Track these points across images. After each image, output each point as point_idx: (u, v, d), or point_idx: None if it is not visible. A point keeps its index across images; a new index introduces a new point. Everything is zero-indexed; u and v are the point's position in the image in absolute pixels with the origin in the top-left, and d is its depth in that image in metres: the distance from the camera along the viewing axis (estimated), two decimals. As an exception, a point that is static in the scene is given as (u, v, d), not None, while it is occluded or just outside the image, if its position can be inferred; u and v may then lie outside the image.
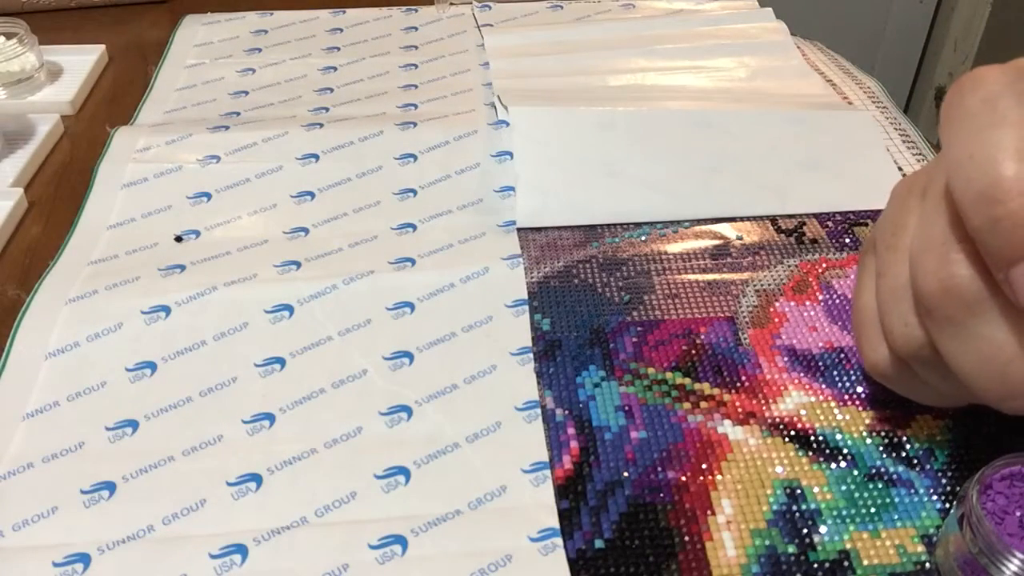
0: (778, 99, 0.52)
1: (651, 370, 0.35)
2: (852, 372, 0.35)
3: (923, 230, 0.27)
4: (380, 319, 0.38)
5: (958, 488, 0.31)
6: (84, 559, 0.29)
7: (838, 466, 0.32)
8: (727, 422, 0.33)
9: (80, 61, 0.58)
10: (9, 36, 0.55)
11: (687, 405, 0.34)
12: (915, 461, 0.32)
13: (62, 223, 0.44)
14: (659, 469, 0.32)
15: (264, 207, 0.45)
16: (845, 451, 0.32)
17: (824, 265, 0.41)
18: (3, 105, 0.54)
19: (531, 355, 0.36)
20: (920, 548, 0.29)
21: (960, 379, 0.26)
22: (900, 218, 0.29)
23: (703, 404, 0.34)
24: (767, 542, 0.29)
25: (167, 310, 0.38)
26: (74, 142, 0.51)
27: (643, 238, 0.42)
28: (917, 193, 0.28)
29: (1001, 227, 0.23)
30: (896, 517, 0.30)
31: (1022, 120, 0.24)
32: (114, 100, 0.56)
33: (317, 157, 0.47)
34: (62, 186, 0.48)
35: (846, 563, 0.29)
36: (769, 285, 0.40)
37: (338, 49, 0.60)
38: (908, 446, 0.32)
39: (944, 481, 0.31)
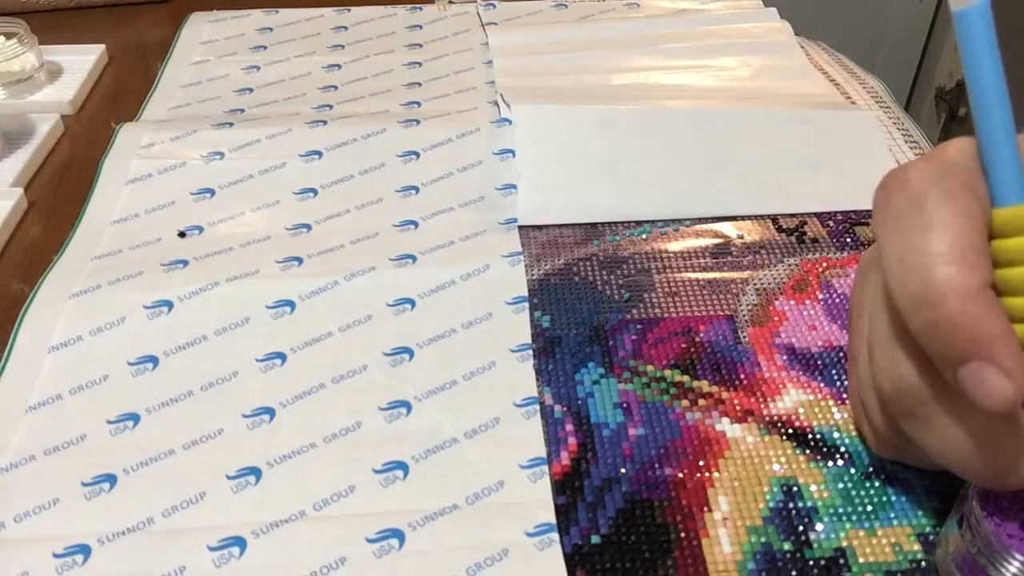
0: (781, 98, 0.52)
1: (650, 367, 0.36)
2: (851, 371, 0.35)
3: (875, 320, 0.27)
4: (381, 315, 0.38)
5: (955, 487, 0.30)
6: (84, 550, 0.29)
7: (835, 464, 0.32)
8: (725, 420, 0.33)
9: (80, 61, 0.58)
10: (9, 36, 0.55)
11: (685, 402, 0.34)
12: (912, 460, 0.32)
13: (62, 223, 0.44)
14: (656, 466, 0.32)
15: (267, 203, 0.45)
16: (843, 449, 0.32)
17: (824, 264, 0.41)
18: (3, 105, 0.54)
19: (531, 352, 0.36)
20: (916, 547, 0.29)
21: (949, 467, 0.26)
22: (861, 295, 0.29)
23: (701, 401, 0.34)
24: (763, 539, 0.29)
25: (169, 305, 0.38)
26: (74, 142, 0.52)
27: (644, 236, 0.43)
28: (875, 268, 0.28)
29: (939, 331, 0.23)
30: (893, 515, 0.30)
31: (950, 221, 0.23)
32: (114, 100, 0.56)
33: (320, 154, 0.48)
34: (62, 186, 0.48)
35: (842, 561, 0.29)
36: (769, 284, 0.40)
37: (342, 47, 0.60)
38: (906, 445, 0.32)
39: (941, 480, 0.31)
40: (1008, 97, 0.24)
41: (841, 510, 0.30)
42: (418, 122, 0.49)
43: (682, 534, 0.29)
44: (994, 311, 0.22)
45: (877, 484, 0.31)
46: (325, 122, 0.50)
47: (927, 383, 0.25)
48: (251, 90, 0.55)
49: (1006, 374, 0.22)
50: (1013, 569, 0.25)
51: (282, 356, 0.36)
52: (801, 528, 0.30)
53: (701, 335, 0.37)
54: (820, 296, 0.39)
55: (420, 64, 0.58)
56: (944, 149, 0.25)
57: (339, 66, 0.57)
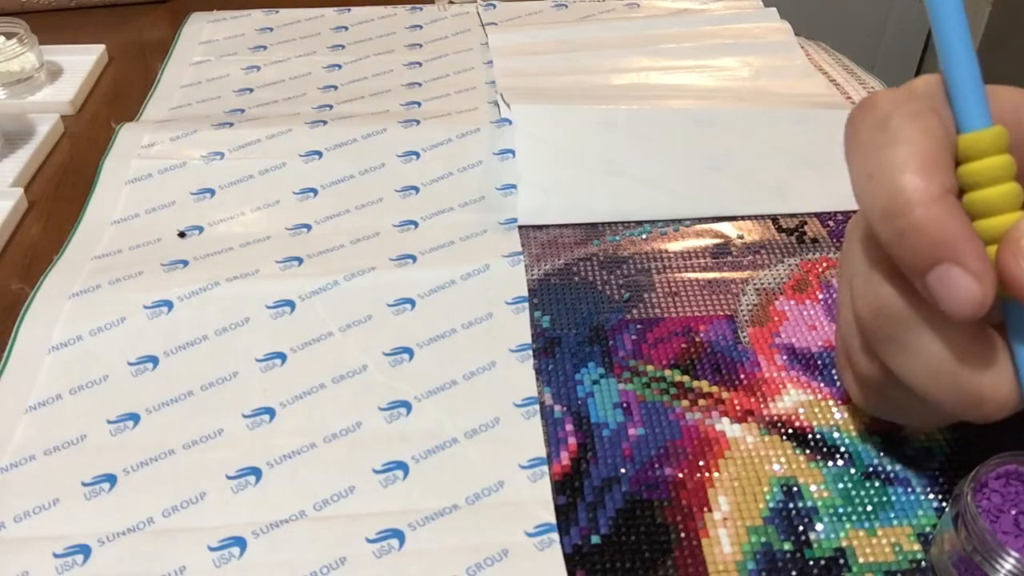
0: (781, 98, 0.52)
1: (650, 367, 0.36)
2: (851, 371, 0.35)
3: (853, 252, 0.28)
4: (381, 315, 0.38)
5: (955, 487, 0.31)
6: (84, 550, 0.29)
7: (835, 464, 0.32)
8: (725, 419, 0.33)
9: (80, 61, 0.58)
10: (9, 36, 0.55)
11: (685, 402, 0.34)
12: (912, 460, 0.32)
13: (62, 223, 0.44)
14: (656, 466, 0.32)
15: (267, 203, 0.45)
16: (843, 449, 0.32)
17: (824, 264, 0.41)
18: (3, 105, 0.54)
19: (531, 352, 0.36)
20: (916, 546, 0.29)
21: (923, 397, 0.26)
22: (845, 254, 0.30)
23: (701, 401, 0.34)
24: (763, 539, 0.29)
25: (169, 305, 0.38)
26: (74, 142, 0.52)
27: (644, 236, 0.43)
28: (858, 224, 0.29)
29: (907, 238, 0.23)
30: (892, 515, 0.30)
31: (913, 136, 0.24)
32: (114, 100, 0.56)
33: (320, 154, 0.48)
34: (62, 186, 0.48)
35: (842, 561, 0.29)
36: (769, 284, 0.40)
37: (343, 47, 0.60)
38: (905, 444, 0.32)
39: (941, 480, 0.31)
40: (968, 27, 0.25)
41: (841, 510, 0.30)
42: (418, 122, 0.49)
43: (682, 534, 0.29)
44: (958, 215, 0.23)
45: (877, 484, 0.31)
46: (325, 122, 0.50)
47: (904, 302, 0.25)
48: (251, 90, 0.55)
49: (973, 275, 0.23)
50: (1008, 566, 0.25)
51: (282, 356, 0.36)
52: (801, 528, 0.30)
53: (701, 335, 0.37)
54: (820, 296, 0.39)
55: (420, 64, 0.58)
56: (912, 81, 0.26)
57: (339, 66, 0.57)
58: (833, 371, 0.35)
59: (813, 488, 0.31)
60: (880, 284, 0.26)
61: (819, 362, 0.36)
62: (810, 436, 0.33)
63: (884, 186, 0.24)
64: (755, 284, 0.40)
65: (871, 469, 0.31)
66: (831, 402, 0.34)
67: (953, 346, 0.25)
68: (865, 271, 0.27)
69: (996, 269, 0.24)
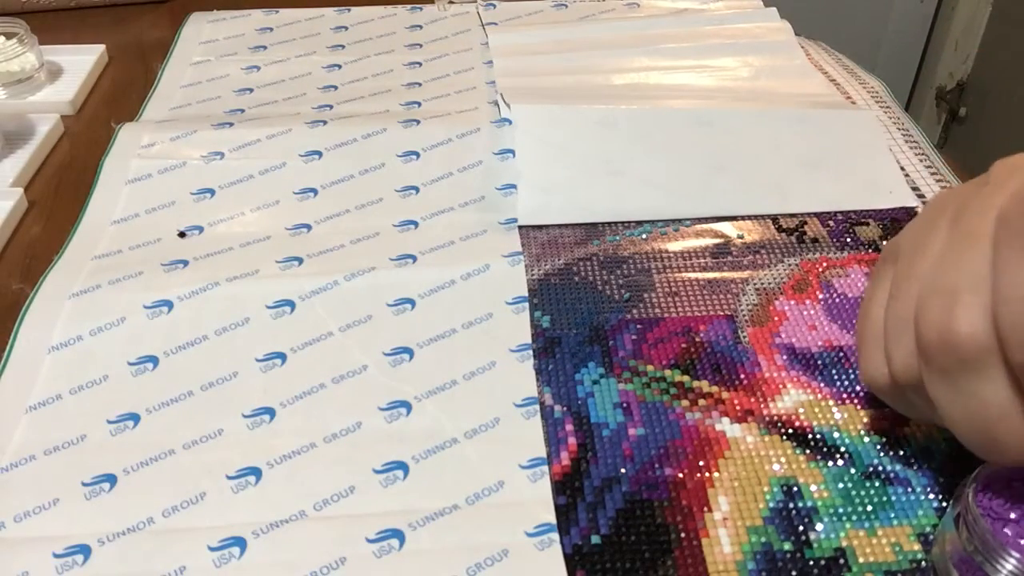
0: (781, 98, 0.52)
1: (650, 367, 0.36)
2: (851, 371, 0.35)
3: (938, 267, 0.26)
4: (381, 315, 0.38)
5: (955, 487, 0.31)
6: (84, 550, 0.29)
7: (835, 464, 0.32)
8: (725, 419, 0.33)
9: (80, 61, 0.58)
10: (9, 36, 0.55)
11: (685, 402, 0.34)
12: (912, 459, 0.32)
13: (62, 223, 0.44)
14: (656, 466, 0.32)
15: (267, 203, 0.45)
16: (843, 449, 0.32)
17: (824, 264, 0.41)
18: (3, 105, 0.54)
19: (531, 352, 0.36)
20: (916, 546, 0.29)
21: (947, 424, 0.26)
22: (924, 238, 0.28)
23: (701, 401, 0.34)
24: (763, 539, 0.29)
25: (169, 305, 0.38)
26: (74, 142, 0.52)
27: (644, 236, 0.43)
28: (948, 216, 0.27)
29: None
30: (893, 515, 0.30)
31: None
32: (114, 100, 0.56)
33: (320, 154, 0.48)
34: (62, 186, 0.48)
35: (842, 561, 0.29)
36: (769, 284, 0.40)
37: (343, 47, 0.60)
38: (906, 444, 0.32)
39: (941, 480, 0.31)
40: None
41: (841, 510, 0.30)
42: (418, 122, 0.49)
43: (682, 534, 0.29)
44: None
45: (877, 484, 0.31)
46: (325, 122, 0.50)
47: (975, 345, 0.24)
48: (251, 90, 0.55)
49: None
50: (1009, 567, 0.25)
51: (282, 356, 0.36)
52: (801, 528, 0.30)
53: (701, 335, 0.37)
54: (820, 296, 0.39)
55: (420, 64, 0.58)
56: None
57: (339, 66, 0.57)
58: (833, 371, 0.35)
59: (813, 488, 0.31)
60: (960, 319, 0.24)
61: (819, 362, 0.36)
62: (810, 436, 0.33)
63: None
64: (755, 284, 0.40)
65: (871, 469, 0.31)
66: (831, 402, 0.34)
67: (1003, 399, 0.24)
68: (948, 295, 0.25)
69: None
